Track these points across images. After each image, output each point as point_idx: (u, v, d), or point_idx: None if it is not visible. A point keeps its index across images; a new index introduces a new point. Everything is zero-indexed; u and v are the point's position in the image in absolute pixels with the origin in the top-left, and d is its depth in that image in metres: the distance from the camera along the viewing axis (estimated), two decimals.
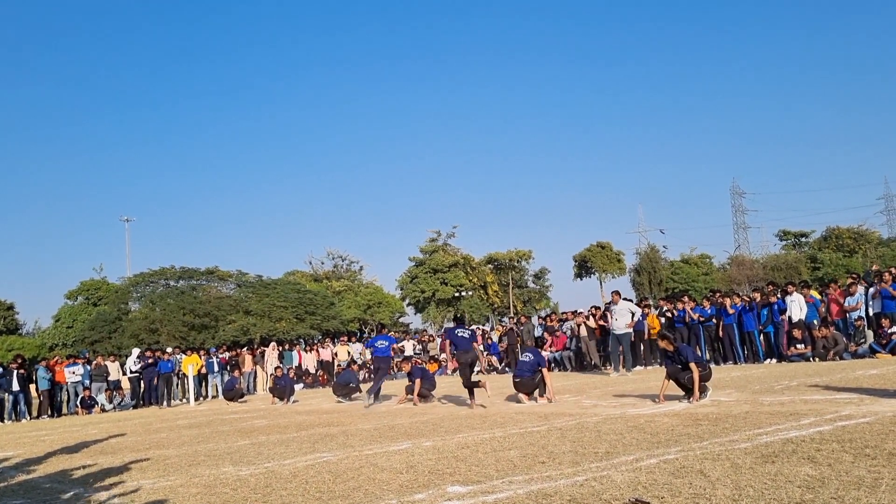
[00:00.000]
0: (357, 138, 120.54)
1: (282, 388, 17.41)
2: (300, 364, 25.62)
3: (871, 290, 15.62)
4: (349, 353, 26.29)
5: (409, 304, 64.21)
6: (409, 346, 27.74)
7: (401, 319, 62.55)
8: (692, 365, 9.17)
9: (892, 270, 16.22)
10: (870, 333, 15.09)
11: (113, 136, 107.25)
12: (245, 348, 28.17)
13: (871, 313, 15.45)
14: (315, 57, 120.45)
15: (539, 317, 27.82)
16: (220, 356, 24.47)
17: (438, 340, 28.51)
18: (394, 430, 9.02)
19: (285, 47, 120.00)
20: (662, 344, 9.93)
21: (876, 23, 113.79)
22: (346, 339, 30.99)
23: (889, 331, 14.47)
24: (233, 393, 19.63)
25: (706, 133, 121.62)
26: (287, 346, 27.34)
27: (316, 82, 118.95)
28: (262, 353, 25.35)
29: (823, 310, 16.39)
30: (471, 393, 11.34)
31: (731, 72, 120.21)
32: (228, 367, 23.46)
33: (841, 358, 14.56)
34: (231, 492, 5.54)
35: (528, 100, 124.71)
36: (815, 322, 15.92)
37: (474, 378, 11.52)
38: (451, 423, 9.23)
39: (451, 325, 14.20)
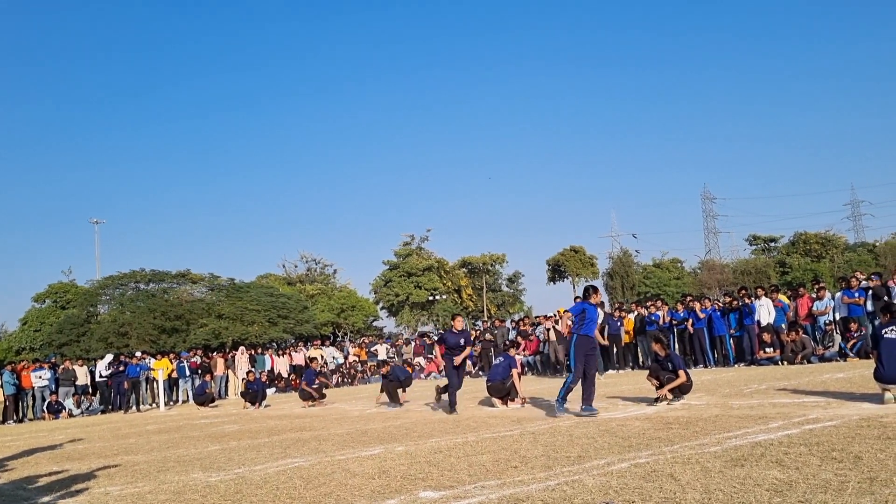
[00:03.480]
0: (331, 141, 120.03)
1: (253, 393, 17.26)
2: (272, 368, 25.43)
3: (839, 295, 15.88)
4: (322, 356, 26.15)
5: (382, 308, 63.99)
6: (382, 350, 27.66)
7: (374, 323, 62.33)
8: (680, 372, 9.28)
9: (859, 275, 16.52)
10: (837, 337, 15.34)
11: (82, 136, 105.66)
12: (217, 352, 27.89)
13: (838, 318, 15.71)
14: (289, 57, 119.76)
15: (513, 320, 27.85)
16: (191, 360, 24.20)
17: (413, 344, 28.47)
18: (366, 434, 8.98)
19: (258, 46, 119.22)
20: (656, 347, 10.00)
21: (843, 29, 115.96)
22: (319, 342, 30.84)
23: (855, 334, 14.73)
24: (204, 397, 19.41)
25: (678, 139, 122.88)
26: (259, 350, 27.13)
27: (289, 84, 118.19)
28: (234, 358, 25.13)
29: (791, 314, 16.62)
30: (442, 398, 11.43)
31: (702, 78, 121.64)
32: (199, 372, 23.19)
33: (809, 361, 14.78)
34: (200, 498, 5.47)
35: (502, 104, 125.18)
36: (784, 326, 16.15)
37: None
38: (425, 427, 9.21)
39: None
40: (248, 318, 40.63)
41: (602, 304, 18.54)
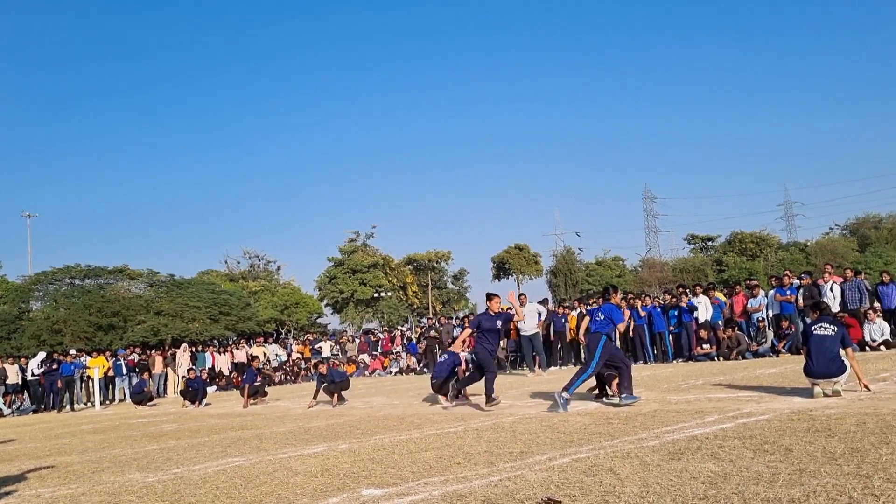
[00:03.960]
0: (276, 136, 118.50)
1: (193, 391, 16.92)
2: (213, 366, 24.97)
3: (772, 293, 16.40)
4: (265, 354, 25.79)
5: (327, 305, 63.50)
6: (326, 348, 27.44)
7: (319, 320, 61.78)
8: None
9: (789, 273, 17.09)
10: (770, 334, 15.84)
11: (14, 128, 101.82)
12: (155, 350, 27.25)
13: (771, 315, 16.22)
14: (223, 51, 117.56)
15: (457, 318, 27.97)
16: (129, 358, 23.58)
17: (357, 341, 28.32)
18: (309, 432, 8.90)
19: (194, 41, 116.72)
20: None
21: (777, 34, 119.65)
22: (262, 340, 30.40)
23: (787, 331, 15.24)
24: (141, 396, 18.94)
25: (621, 139, 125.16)
26: (200, 348, 26.60)
27: (228, 78, 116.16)
28: (174, 355, 24.59)
29: (727, 311, 17.09)
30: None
31: (643, 80, 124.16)
32: (137, 370, 22.60)
33: (743, 357, 15.22)
34: (137, 499, 5.34)
35: (448, 102, 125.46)
36: (720, 323, 16.60)
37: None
38: (368, 425, 9.18)
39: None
40: (189, 314, 39.80)
41: (546, 301, 18.82)
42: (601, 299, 10.46)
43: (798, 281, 16.36)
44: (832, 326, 8.08)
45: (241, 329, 42.70)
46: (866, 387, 7.80)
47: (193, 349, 25.74)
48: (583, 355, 18.75)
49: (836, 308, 14.82)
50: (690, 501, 3.75)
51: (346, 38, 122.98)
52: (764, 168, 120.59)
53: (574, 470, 4.88)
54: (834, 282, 15.85)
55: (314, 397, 13.25)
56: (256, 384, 15.92)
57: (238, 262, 65.67)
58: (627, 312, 12.32)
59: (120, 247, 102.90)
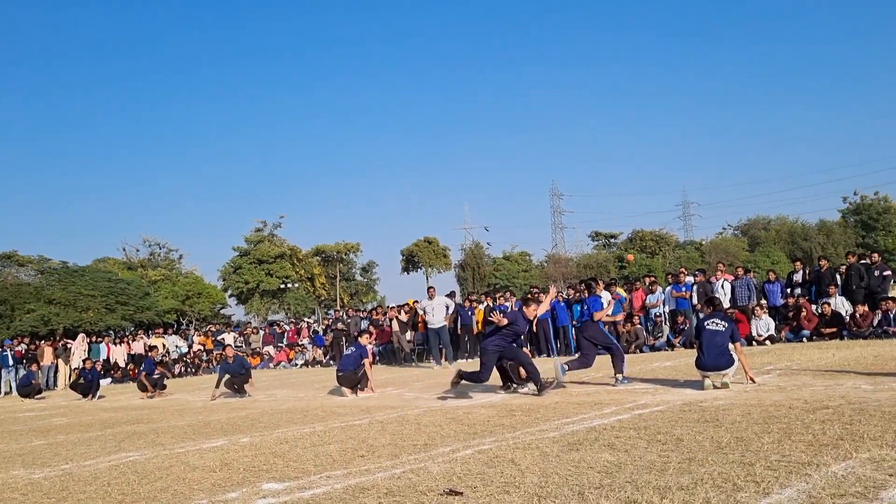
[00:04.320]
0: (181, 121, 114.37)
1: (86, 384, 16.18)
2: (109, 357, 23.95)
3: (668, 289, 17.09)
4: (164, 345, 24.93)
5: (231, 296, 61.96)
6: (229, 339, 26.76)
7: (222, 311, 60.20)
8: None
9: (685, 271, 17.85)
10: (666, 328, 16.51)
11: None
12: (45, 340, 25.90)
13: (667, 310, 16.90)
14: (120, 26, 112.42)
15: (365, 310, 27.84)
16: (16, 349, 22.32)
17: (262, 333, 27.77)
18: (209, 426, 8.67)
19: (93, 20, 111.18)
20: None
21: (677, 38, 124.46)
22: (161, 330, 29.36)
23: (682, 326, 15.93)
24: (29, 389, 17.97)
25: (529, 136, 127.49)
26: (95, 338, 25.46)
27: (125, 53, 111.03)
28: (66, 346, 23.43)
29: (627, 306, 17.69)
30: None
31: (552, 79, 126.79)
32: (24, 361, 21.43)
33: (641, 351, 15.80)
34: (21, 497, 5.08)
35: (358, 93, 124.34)
36: (620, 317, 17.16)
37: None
38: (271, 418, 9.02)
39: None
40: (83, 303, 38.07)
41: (453, 294, 18.96)
42: (586, 292, 11.40)
43: (692, 278, 17.11)
44: (723, 322, 8.51)
45: (140, 319, 41.19)
46: (752, 379, 8.24)
47: (89, 340, 24.62)
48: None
49: (726, 304, 15.58)
50: (587, 490, 3.86)
51: (254, 20, 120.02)
52: (664, 169, 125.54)
53: (476, 461, 4.95)
54: (725, 279, 16.66)
55: (216, 387, 12.94)
56: (155, 376, 15.38)
57: (137, 250, 63.16)
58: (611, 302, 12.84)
59: (7, 231, 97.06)
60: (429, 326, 16.81)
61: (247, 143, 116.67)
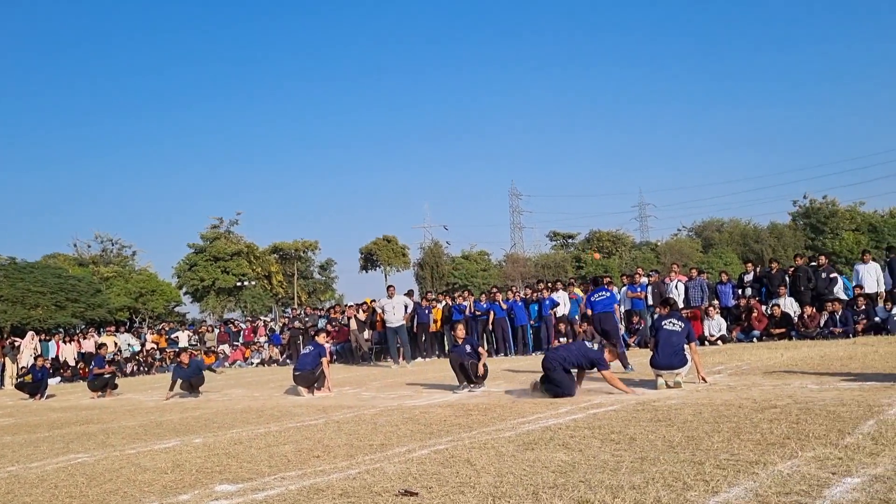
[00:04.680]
0: (134, 113, 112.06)
1: (35, 383, 15.76)
2: (58, 356, 23.37)
3: (624, 289, 17.32)
4: (116, 343, 24.42)
5: (186, 293, 61.02)
6: (183, 337, 26.35)
7: (176, 309, 59.25)
8: (480, 351, 10.01)
9: (640, 271, 18.11)
10: (621, 328, 16.72)
11: None
12: None
13: (622, 310, 17.13)
14: (77, 21, 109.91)
15: (323, 308, 27.66)
16: None
17: (217, 331, 27.40)
18: (161, 426, 8.53)
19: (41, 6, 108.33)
20: (457, 333, 10.28)
21: (637, 42, 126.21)
22: (113, 328, 28.76)
23: (637, 326, 16.17)
24: None
25: (489, 136, 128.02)
26: (44, 336, 24.82)
27: (79, 48, 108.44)
28: (13, 344, 22.79)
29: (584, 306, 17.89)
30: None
31: (512, 79, 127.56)
32: None
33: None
34: None
35: (318, 90, 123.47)
36: (577, 317, 17.36)
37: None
38: (225, 418, 8.91)
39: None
40: (31, 300, 37.10)
41: (411, 293, 18.95)
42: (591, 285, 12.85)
43: (647, 279, 17.38)
44: (680, 322, 8.67)
45: (91, 317, 40.32)
46: (704, 379, 8.41)
47: (38, 338, 24.00)
48: (446, 346, 19.21)
49: (680, 304, 15.86)
50: (541, 490, 3.90)
51: (212, 17, 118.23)
52: (621, 171, 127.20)
53: (432, 461, 4.96)
54: (679, 280, 16.96)
55: (170, 389, 12.72)
56: (106, 376, 15.05)
57: (89, 246, 61.82)
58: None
59: None
60: (387, 325, 16.78)
61: (203, 138, 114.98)
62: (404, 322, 16.83)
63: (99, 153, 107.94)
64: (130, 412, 10.83)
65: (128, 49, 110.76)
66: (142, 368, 24.33)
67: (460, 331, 10.18)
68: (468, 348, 9.88)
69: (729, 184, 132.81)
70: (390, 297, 16.91)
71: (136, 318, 51.50)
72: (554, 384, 8.19)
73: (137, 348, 25.73)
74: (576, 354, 8.50)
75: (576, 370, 8.53)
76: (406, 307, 16.94)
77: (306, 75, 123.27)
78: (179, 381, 12.75)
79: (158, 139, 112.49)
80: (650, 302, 16.25)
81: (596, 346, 8.66)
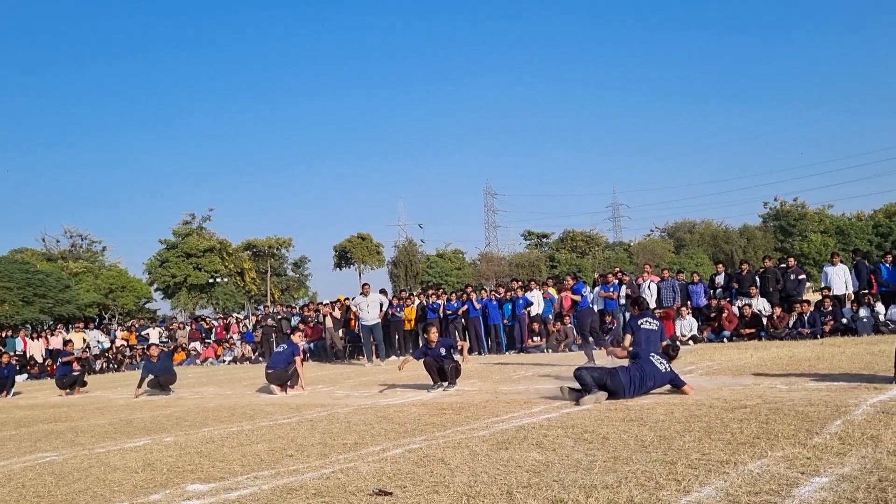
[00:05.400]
0: (106, 108, 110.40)
1: (1, 380, 15.48)
2: (25, 352, 22.98)
3: (597, 289, 17.44)
4: (85, 340, 24.06)
5: (157, 290, 60.33)
6: (154, 334, 26.05)
7: (147, 305, 58.56)
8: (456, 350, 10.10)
9: (620, 272, 18.23)
10: None
11: None
12: None
13: (596, 310, 17.24)
14: (46, 12, 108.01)
15: (295, 306, 27.49)
16: None
17: (188, 328, 27.11)
18: (131, 425, 8.43)
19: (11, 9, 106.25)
20: (429, 335, 10.21)
21: (611, 49, 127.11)
22: (82, 325, 28.33)
23: (609, 326, 16.28)
24: None
25: (464, 135, 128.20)
26: (10, 332, 24.39)
27: (49, 38, 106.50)
28: None
29: (557, 306, 17.98)
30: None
31: (486, 79, 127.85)
32: None
33: (570, 349, 16.08)
34: None
35: (293, 87, 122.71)
36: (551, 317, 17.45)
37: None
38: (197, 416, 8.83)
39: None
40: None
41: (385, 292, 18.90)
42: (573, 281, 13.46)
43: (617, 280, 17.49)
44: (655, 321, 8.77)
45: (59, 313, 39.70)
46: None
47: (3, 334, 23.58)
48: (421, 345, 19.20)
49: (652, 304, 16.00)
50: (515, 490, 3.91)
51: (182, 10, 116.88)
52: (596, 172, 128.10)
53: (406, 461, 4.95)
54: (652, 280, 17.11)
55: (139, 386, 12.56)
56: (75, 373, 14.83)
57: (57, 241, 60.94)
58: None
59: None
60: (362, 323, 16.75)
61: (176, 133, 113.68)
62: (380, 320, 16.80)
63: (68, 146, 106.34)
64: (100, 410, 10.69)
65: (98, 40, 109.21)
66: (111, 366, 24.01)
67: (433, 333, 10.15)
68: (443, 351, 9.86)
69: (701, 185, 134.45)
70: (365, 294, 16.87)
71: (106, 314, 50.81)
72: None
73: (107, 345, 25.39)
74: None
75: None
76: (381, 305, 16.91)
77: (282, 71, 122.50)
78: (149, 378, 12.60)
79: (130, 133, 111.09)
80: (622, 302, 16.37)
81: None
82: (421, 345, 12.52)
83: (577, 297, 12.96)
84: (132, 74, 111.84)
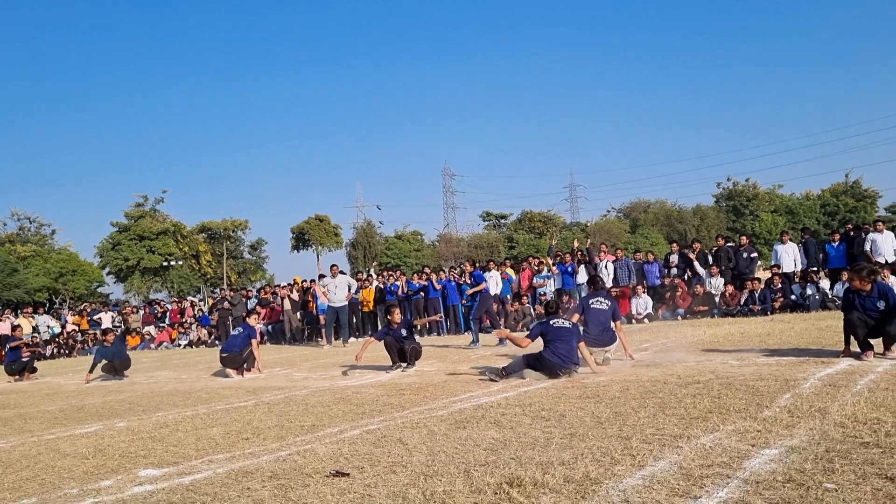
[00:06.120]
0: (51, 81, 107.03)
1: None
2: None
3: (555, 268, 17.57)
4: (34, 325, 23.45)
5: (109, 273, 59.06)
6: (106, 319, 25.50)
7: (99, 289, 57.32)
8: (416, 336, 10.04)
9: (577, 244, 18.36)
10: None
11: None
12: None
13: (553, 289, 17.39)
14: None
15: (251, 289, 27.13)
16: None
17: (142, 313, 26.61)
18: (83, 410, 8.25)
19: None
20: (392, 317, 10.17)
21: (568, 32, 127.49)
22: (30, 310, 27.59)
23: (567, 305, 16.43)
24: None
25: (422, 117, 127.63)
26: None
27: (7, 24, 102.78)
28: None
29: (516, 286, 18.10)
30: None
31: (446, 60, 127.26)
32: None
33: (528, 329, 16.19)
34: None
35: (247, 64, 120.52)
36: (509, 297, 17.55)
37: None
38: (151, 401, 8.68)
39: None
40: None
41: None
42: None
43: (576, 260, 17.64)
44: (606, 301, 8.84)
45: (7, 297, 38.61)
46: (631, 356, 8.62)
47: None
48: (379, 326, 19.17)
49: (609, 283, 16.19)
50: (472, 468, 3.92)
51: None
52: (553, 153, 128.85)
53: (364, 441, 4.93)
54: (608, 260, 17.30)
55: (90, 371, 12.30)
56: (24, 359, 14.44)
57: (4, 224, 59.18)
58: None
59: None
60: (330, 304, 16.64)
61: (127, 113, 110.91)
62: (346, 302, 16.70)
63: (15, 126, 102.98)
64: (50, 396, 10.44)
65: (45, 16, 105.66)
66: (62, 351, 23.46)
67: (396, 315, 10.12)
68: (403, 332, 9.86)
69: (656, 166, 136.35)
70: (334, 276, 16.75)
71: (56, 299, 49.63)
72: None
73: (57, 330, 24.78)
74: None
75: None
76: (350, 287, 16.80)
77: (237, 51, 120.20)
78: (102, 363, 12.35)
79: (79, 112, 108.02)
80: (579, 281, 16.51)
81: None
82: (382, 326, 12.49)
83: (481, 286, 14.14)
84: (80, 51, 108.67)
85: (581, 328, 8.45)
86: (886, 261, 14.53)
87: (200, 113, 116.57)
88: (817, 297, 14.68)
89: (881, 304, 7.14)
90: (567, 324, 8.10)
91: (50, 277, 49.12)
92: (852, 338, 7.28)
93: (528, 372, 7.75)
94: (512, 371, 7.86)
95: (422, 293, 18.17)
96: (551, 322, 8.08)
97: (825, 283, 15.12)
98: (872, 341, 7.20)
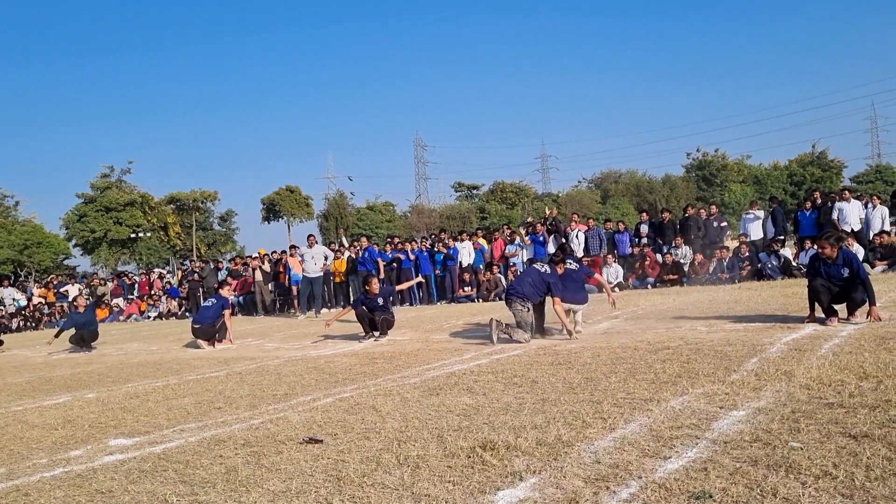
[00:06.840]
0: (9, 52, 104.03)
1: None
2: None
3: (527, 238, 17.64)
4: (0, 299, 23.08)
5: (76, 246, 58.11)
6: (73, 291, 25.11)
7: (65, 262, 56.40)
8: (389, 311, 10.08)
9: (549, 212, 18.43)
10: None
11: None
12: None
13: (525, 259, 17.45)
14: None
15: (224, 260, 26.89)
16: None
17: (110, 285, 26.26)
18: (51, 382, 8.14)
19: None
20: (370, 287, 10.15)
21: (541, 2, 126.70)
22: None
23: None
24: None
25: (393, 86, 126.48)
26: None
27: None
28: None
29: (488, 256, 18.13)
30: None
31: (416, 31, 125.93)
32: None
33: (500, 298, 16.27)
34: None
35: (218, 32, 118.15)
36: (481, 266, 17.59)
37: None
38: (120, 372, 8.59)
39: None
40: None
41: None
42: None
43: (546, 230, 17.71)
44: (575, 263, 9.02)
45: None
46: (569, 332, 8.61)
47: None
48: (351, 297, 19.12)
49: (580, 253, 16.30)
50: (445, 433, 3.94)
51: None
52: (524, 123, 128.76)
53: (337, 409, 4.94)
54: (579, 230, 17.39)
55: (56, 336, 12.19)
56: None
57: None
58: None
59: None
60: (305, 274, 16.55)
61: (92, 81, 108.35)
62: (321, 273, 16.64)
63: None
64: (17, 369, 10.29)
65: None
66: (29, 324, 23.13)
67: (374, 284, 10.09)
68: (380, 300, 9.87)
69: (627, 136, 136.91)
70: (310, 246, 16.66)
71: (22, 271, 48.78)
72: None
73: (23, 303, 24.40)
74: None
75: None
76: (326, 258, 16.75)
77: (207, 19, 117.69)
78: (72, 331, 12.20)
79: (42, 81, 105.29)
80: (550, 250, 16.59)
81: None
82: (358, 294, 12.42)
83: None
84: (44, 19, 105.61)
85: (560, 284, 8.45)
86: (852, 229, 14.79)
87: (167, 83, 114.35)
88: (780, 264, 14.91)
89: (845, 272, 7.26)
90: (573, 266, 8.82)
91: (14, 250, 48.23)
92: (816, 304, 7.42)
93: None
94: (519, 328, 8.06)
95: (394, 263, 18.14)
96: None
97: (785, 251, 15.36)
98: (837, 307, 7.34)
